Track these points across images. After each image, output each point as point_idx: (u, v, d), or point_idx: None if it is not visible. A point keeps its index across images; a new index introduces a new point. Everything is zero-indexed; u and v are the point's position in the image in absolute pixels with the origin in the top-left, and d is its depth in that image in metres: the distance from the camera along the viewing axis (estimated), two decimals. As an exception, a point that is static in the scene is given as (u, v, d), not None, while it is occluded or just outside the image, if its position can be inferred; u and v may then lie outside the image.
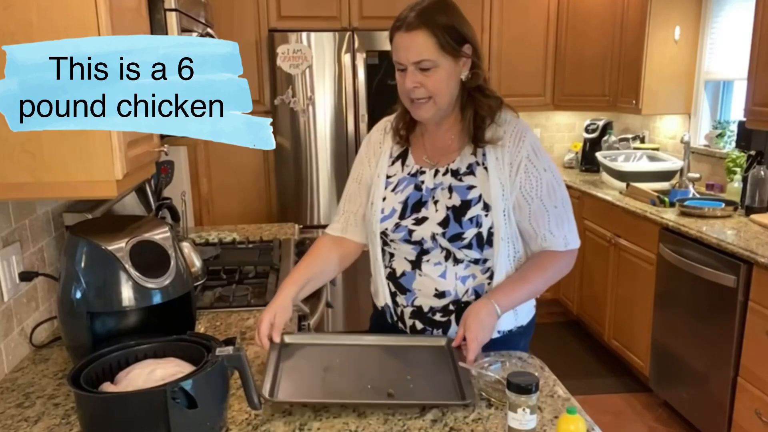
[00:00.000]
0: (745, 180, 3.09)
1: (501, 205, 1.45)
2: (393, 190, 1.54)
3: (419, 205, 1.50)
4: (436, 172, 1.51)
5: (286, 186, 3.99)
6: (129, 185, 1.35)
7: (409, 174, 1.53)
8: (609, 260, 3.61)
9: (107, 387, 1.13)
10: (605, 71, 4.19)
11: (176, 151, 3.30)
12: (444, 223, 1.46)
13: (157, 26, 1.60)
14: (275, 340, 1.41)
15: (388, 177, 1.55)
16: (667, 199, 3.25)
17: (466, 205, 1.46)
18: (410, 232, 1.49)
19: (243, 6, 3.83)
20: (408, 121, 1.54)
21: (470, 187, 1.47)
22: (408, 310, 1.55)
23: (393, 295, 1.57)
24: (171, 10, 1.61)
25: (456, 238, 1.45)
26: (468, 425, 1.22)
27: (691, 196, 3.28)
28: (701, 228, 2.81)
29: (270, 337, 1.41)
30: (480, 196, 1.46)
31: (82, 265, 1.33)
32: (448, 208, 1.47)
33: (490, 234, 1.46)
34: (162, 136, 1.65)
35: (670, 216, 3.05)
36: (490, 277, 1.50)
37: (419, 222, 1.49)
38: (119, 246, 1.35)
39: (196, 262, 2.07)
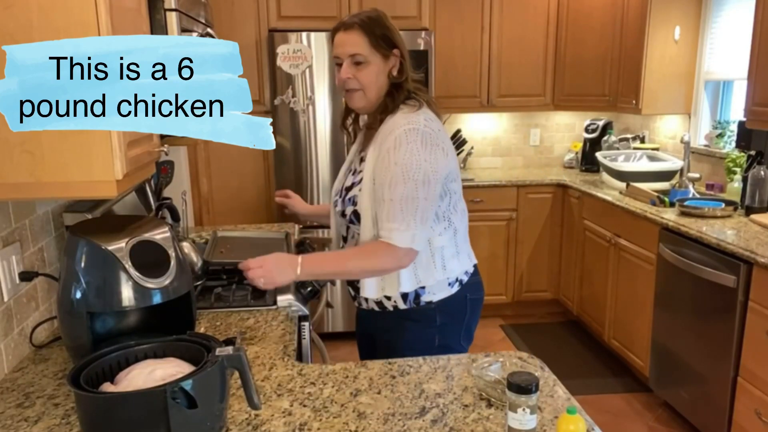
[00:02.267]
0: (745, 180, 3.09)
1: (368, 188, 1.65)
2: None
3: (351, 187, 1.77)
4: (362, 159, 1.74)
5: (286, 186, 3.96)
6: (129, 185, 1.35)
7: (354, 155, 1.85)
8: (609, 260, 3.61)
9: (107, 387, 1.13)
10: (605, 71, 4.19)
11: (176, 151, 3.30)
12: (341, 201, 1.77)
13: (157, 26, 1.60)
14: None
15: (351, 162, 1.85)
16: (667, 199, 3.25)
17: (351, 186, 1.73)
18: (334, 203, 1.82)
19: (243, 6, 3.83)
20: (354, 115, 1.81)
21: (360, 171, 1.72)
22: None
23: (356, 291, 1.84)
24: (171, 10, 1.61)
25: (341, 214, 1.76)
26: (468, 425, 1.22)
27: (691, 196, 3.28)
28: (701, 228, 2.81)
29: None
30: (361, 179, 1.68)
31: (82, 265, 1.33)
32: (343, 188, 1.78)
33: (360, 213, 1.68)
34: (162, 136, 1.65)
35: (670, 216, 3.05)
36: None
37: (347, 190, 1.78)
38: (119, 246, 1.35)
39: (196, 262, 2.08)
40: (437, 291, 1.75)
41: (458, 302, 1.78)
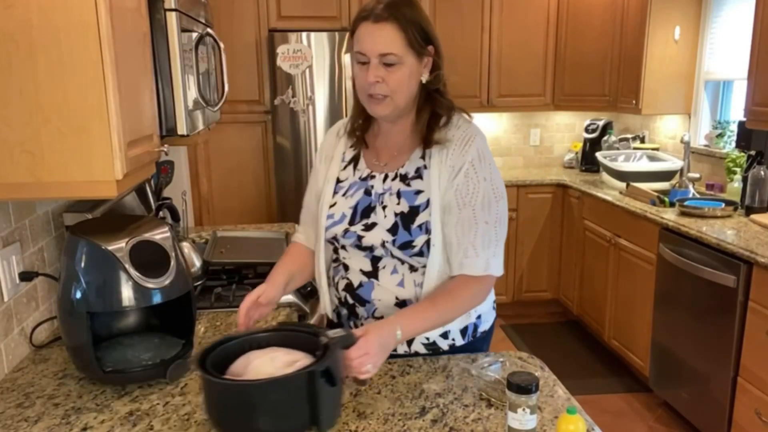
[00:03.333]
0: (745, 180, 3.09)
1: (438, 208, 1.39)
2: (344, 194, 1.47)
3: (368, 210, 1.44)
4: (386, 177, 1.45)
5: (286, 186, 3.99)
6: (129, 185, 1.35)
7: (360, 178, 1.48)
8: (609, 260, 3.61)
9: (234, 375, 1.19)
10: (605, 71, 4.19)
11: (176, 151, 3.29)
12: (393, 230, 1.40)
13: (157, 26, 1.60)
14: (253, 317, 1.38)
15: (339, 181, 1.49)
16: (667, 199, 3.25)
17: (414, 211, 1.40)
18: (360, 237, 1.43)
19: (243, 6, 3.83)
20: (363, 121, 1.48)
21: (418, 192, 1.41)
22: (369, 322, 1.43)
23: (352, 308, 1.49)
24: (171, 10, 1.61)
25: (406, 246, 1.39)
26: (468, 425, 1.22)
27: (691, 196, 3.28)
28: (701, 228, 2.81)
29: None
30: (428, 201, 1.39)
31: (82, 265, 1.33)
32: (396, 215, 1.41)
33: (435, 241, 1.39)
34: (162, 136, 1.65)
35: (670, 216, 3.05)
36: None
37: (368, 228, 1.42)
38: (119, 246, 1.35)
39: (196, 262, 2.08)
40: (488, 318, 1.55)
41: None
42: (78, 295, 1.32)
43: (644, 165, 3.84)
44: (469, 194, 1.37)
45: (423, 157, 1.43)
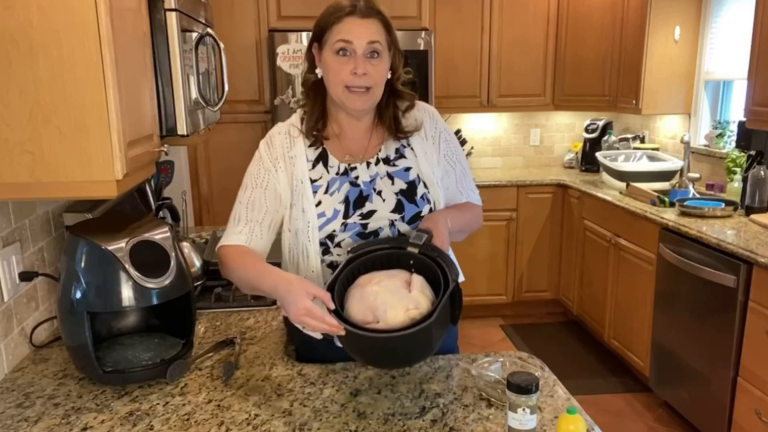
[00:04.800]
0: (745, 180, 3.09)
1: (434, 178, 1.51)
2: (326, 192, 1.46)
3: (362, 199, 1.46)
4: (368, 164, 1.49)
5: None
6: (129, 185, 1.34)
7: (337, 174, 1.48)
8: (609, 260, 3.61)
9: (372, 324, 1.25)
10: (605, 71, 4.19)
11: (176, 151, 3.30)
12: (398, 209, 1.47)
13: (157, 26, 1.60)
14: (331, 307, 1.25)
15: (313, 181, 1.47)
16: (667, 199, 3.25)
17: (412, 185, 1.49)
18: (363, 225, 1.45)
19: (243, 6, 3.83)
20: (320, 121, 1.49)
21: (407, 169, 1.50)
22: None
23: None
24: (171, 10, 1.60)
25: (415, 218, 1.47)
26: (468, 425, 1.22)
27: (691, 196, 3.28)
28: (701, 228, 2.81)
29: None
30: (418, 176, 1.51)
31: (82, 265, 1.33)
32: (396, 194, 1.47)
33: (435, 208, 1.51)
34: (162, 136, 1.65)
35: (670, 216, 3.05)
36: None
37: (366, 216, 1.46)
38: (119, 246, 1.35)
39: (196, 262, 2.08)
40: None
41: None
42: (78, 295, 1.32)
43: (644, 165, 3.84)
44: (454, 154, 1.57)
45: (397, 139, 1.52)
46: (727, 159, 3.44)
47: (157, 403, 1.32)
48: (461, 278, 1.51)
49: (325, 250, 1.46)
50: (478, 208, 1.64)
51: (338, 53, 1.38)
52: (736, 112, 3.71)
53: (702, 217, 3.00)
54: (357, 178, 1.48)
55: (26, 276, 1.55)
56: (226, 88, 2.04)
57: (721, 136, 3.67)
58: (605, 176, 3.93)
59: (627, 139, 4.27)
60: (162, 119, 1.65)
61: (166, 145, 1.60)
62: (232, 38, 3.78)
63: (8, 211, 1.51)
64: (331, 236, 1.45)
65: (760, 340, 2.42)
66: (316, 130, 1.48)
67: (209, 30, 1.92)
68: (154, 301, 1.37)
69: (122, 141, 1.24)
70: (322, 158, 1.49)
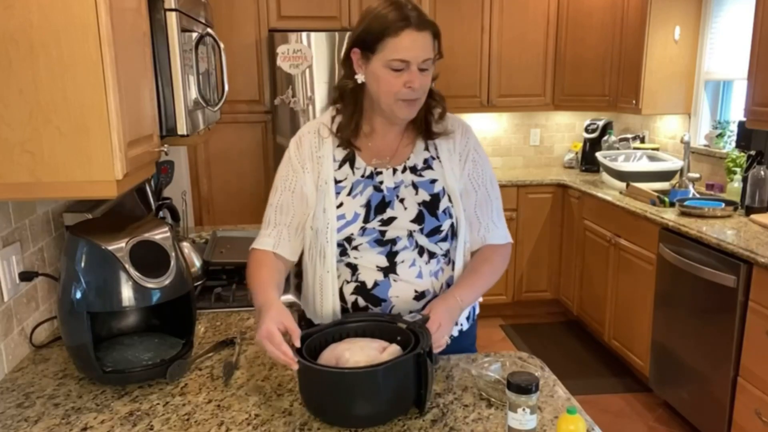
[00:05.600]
0: (745, 180, 3.09)
1: (457, 195, 1.49)
2: (349, 194, 1.46)
3: (383, 205, 1.45)
4: (394, 170, 1.47)
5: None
6: (129, 185, 1.34)
7: (362, 176, 1.47)
8: (609, 260, 3.61)
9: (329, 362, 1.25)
10: (605, 71, 4.19)
11: (176, 151, 3.30)
12: (419, 219, 1.45)
13: (157, 26, 1.60)
14: (296, 344, 1.25)
15: (338, 182, 1.47)
16: (667, 199, 3.25)
17: (436, 198, 1.47)
18: (382, 232, 1.45)
19: (243, 6, 3.83)
20: (354, 127, 1.47)
21: (433, 181, 1.48)
22: None
23: (363, 311, 1.48)
24: (171, 10, 1.60)
25: (435, 231, 1.46)
26: (468, 425, 1.22)
27: (691, 196, 3.28)
28: (701, 228, 2.81)
29: (291, 344, 1.26)
30: (444, 189, 1.48)
31: (82, 265, 1.33)
32: (419, 204, 1.46)
33: (457, 224, 1.49)
34: (162, 136, 1.65)
35: (670, 216, 3.05)
36: (453, 269, 1.52)
37: (386, 222, 1.45)
38: (119, 246, 1.35)
39: (196, 262, 2.08)
40: (479, 300, 1.61)
41: None
42: (78, 295, 1.32)
43: (644, 165, 3.84)
44: (480, 176, 1.52)
45: (428, 149, 1.50)
46: (727, 159, 3.44)
47: (157, 403, 1.32)
48: (480, 298, 1.58)
49: (343, 251, 1.47)
50: (502, 249, 1.54)
51: (392, 67, 1.36)
52: (736, 112, 3.71)
53: (702, 217, 3.00)
54: (381, 183, 1.47)
55: (26, 276, 1.55)
56: (226, 88, 2.04)
57: (721, 136, 3.67)
58: (605, 176, 3.93)
59: (627, 139, 4.27)
60: (162, 119, 1.65)
61: (166, 145, 1.60)
62: (232, 38, 3.78)
63: (8, 211, 1.51)
64: (349, 239, 1.45)
65: (760, 340, 2.42)
66: (352, 137, 1.47)
67: (209, 30, 1.92)
68: (154, 301, 1.38)
69: (122, 141, 1.24)
70: (350, 159, 1.48)
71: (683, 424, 3.00)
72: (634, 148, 4.13)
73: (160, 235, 1.44)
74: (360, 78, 1.41)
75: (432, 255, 1.48)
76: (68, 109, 1.19)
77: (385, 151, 1.49)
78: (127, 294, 1.34)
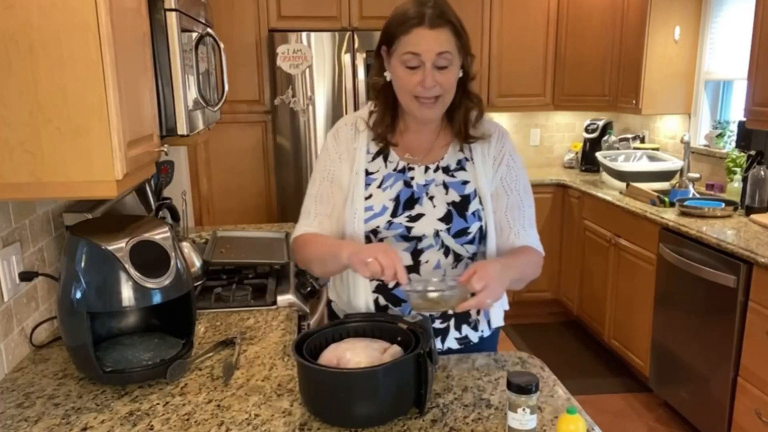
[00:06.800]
0: (745, 180, 3.09)
1: (488, 198, 1.46)
2: (380, 186, 1.46)
3: (412, 201, 1.45)
4: (426, 168, 1.47)
5: (286, 186, 3.99)
6: (129, 185, 1.35)
7: (394, 170, 1.47)
8: (609, 260, 3.61)
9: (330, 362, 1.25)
10: (605, 71, 4.19)
11: (176, 151, 3.30)
12: (446, 219, 1.44)
13: (157, 26, 1.60)
14: (402, 281, 1.27)
15: (370, 173, 1.47)
16: (667, 199, 3.25)
17: (466, 199, 1.45)
18: (408, 228, 1.43)
19: (243, 6, 3.83)
20: (389, 123, 1.48)
21: (464, 183, 1.47)
22: None
23: (383, 310, 1.48)
24: (171, 10, 1.60)
25: (462, 233, 1.44)
26: (468, 425, 1.22)
27: (691, 196, 3.28)
28: (701, 228, 2.81)
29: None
30: (475, 191, 1.46)
31: (82, 265, 1.33)
32: (448, 204, 1.45)
33: (487, 228, 1.46)
34: (162, 136, 1.65)
35: (670, 216, 3.05)
36: None
37: (414, 219, 1.44)
38: (119, 246, 1.35)
39: (196, 262, 2.08)
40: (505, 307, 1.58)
41: None
42: (78, 295, 1.32)
43: (644, 165, 3.84)
44: (513, 181, 1.49)
45: (462, 150, 1.49)
46: (727, 159, 3.44)
47: (157, 403, 1.32)
48: (506, 306, 1.57)
49: (368, 242, 1.45)
50: (537, 254, 1.49)
51: (406, 64, 1.36)
52: (736, 112, 3.71)
53: (702, 217, 3.00)
54: (412, 179, 1.46)
55: (26, 276, 1.55)
56: (226, 88, 2.05)
57: (721, 136, 3.68)
58: (605, 176, 3.93)
59: (627, 139, 4.27)
60: (162, 119, 1.65)
61: (166, 145, 1.60)
62: (232, 38, 3.78)
63: (8, 211, 1.51)
64: (375, 231, 1.44)
65: (760, 340, 2.42)
66: (387, 133, 1.48)
67: (209, 30, 1.92)
68: (154, 301, 1.37)
69: (122, 141, 1.24)
70: (383, 152, 1.49)
71: (683, 424, 3.00)
72: (634, 148, 4.13)
73: (160, 235, 1.44)
74: (388, 75, 1.42)
75: (458, 257, 1.46)
76: (68, 109, 1.19)
77: (419, 150, 1.49)
78: (127, 294, 1.34)
